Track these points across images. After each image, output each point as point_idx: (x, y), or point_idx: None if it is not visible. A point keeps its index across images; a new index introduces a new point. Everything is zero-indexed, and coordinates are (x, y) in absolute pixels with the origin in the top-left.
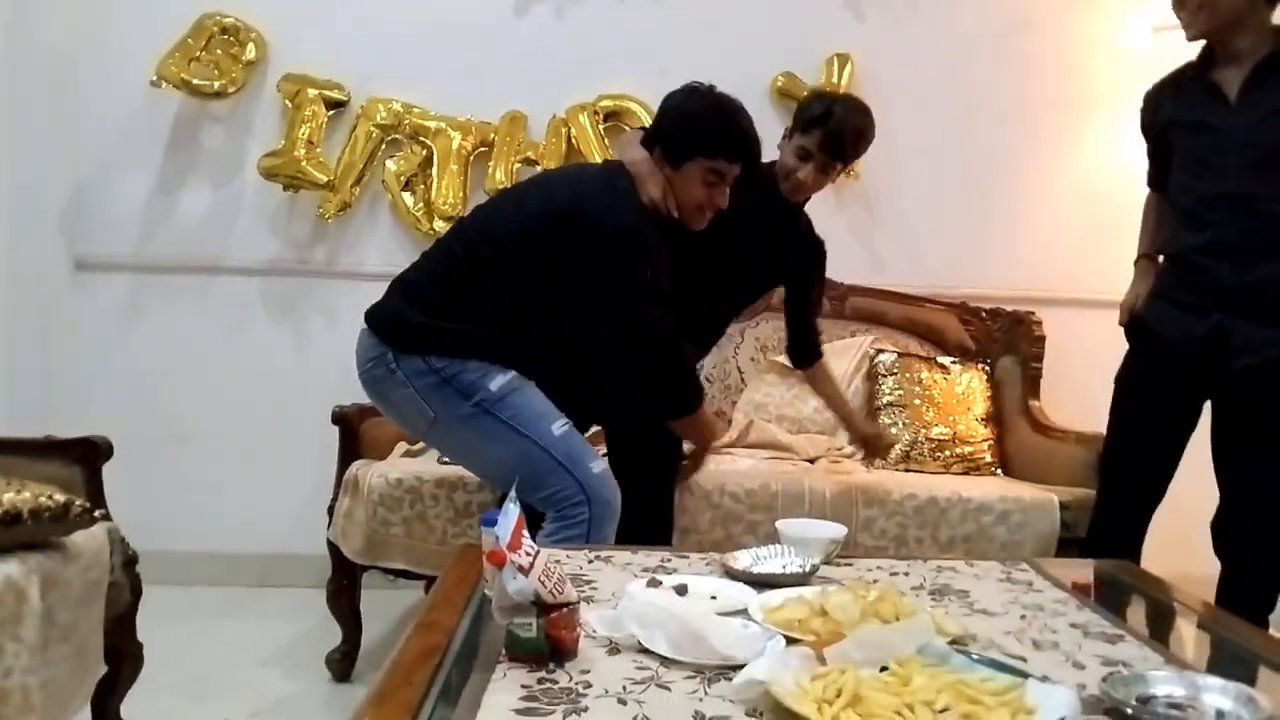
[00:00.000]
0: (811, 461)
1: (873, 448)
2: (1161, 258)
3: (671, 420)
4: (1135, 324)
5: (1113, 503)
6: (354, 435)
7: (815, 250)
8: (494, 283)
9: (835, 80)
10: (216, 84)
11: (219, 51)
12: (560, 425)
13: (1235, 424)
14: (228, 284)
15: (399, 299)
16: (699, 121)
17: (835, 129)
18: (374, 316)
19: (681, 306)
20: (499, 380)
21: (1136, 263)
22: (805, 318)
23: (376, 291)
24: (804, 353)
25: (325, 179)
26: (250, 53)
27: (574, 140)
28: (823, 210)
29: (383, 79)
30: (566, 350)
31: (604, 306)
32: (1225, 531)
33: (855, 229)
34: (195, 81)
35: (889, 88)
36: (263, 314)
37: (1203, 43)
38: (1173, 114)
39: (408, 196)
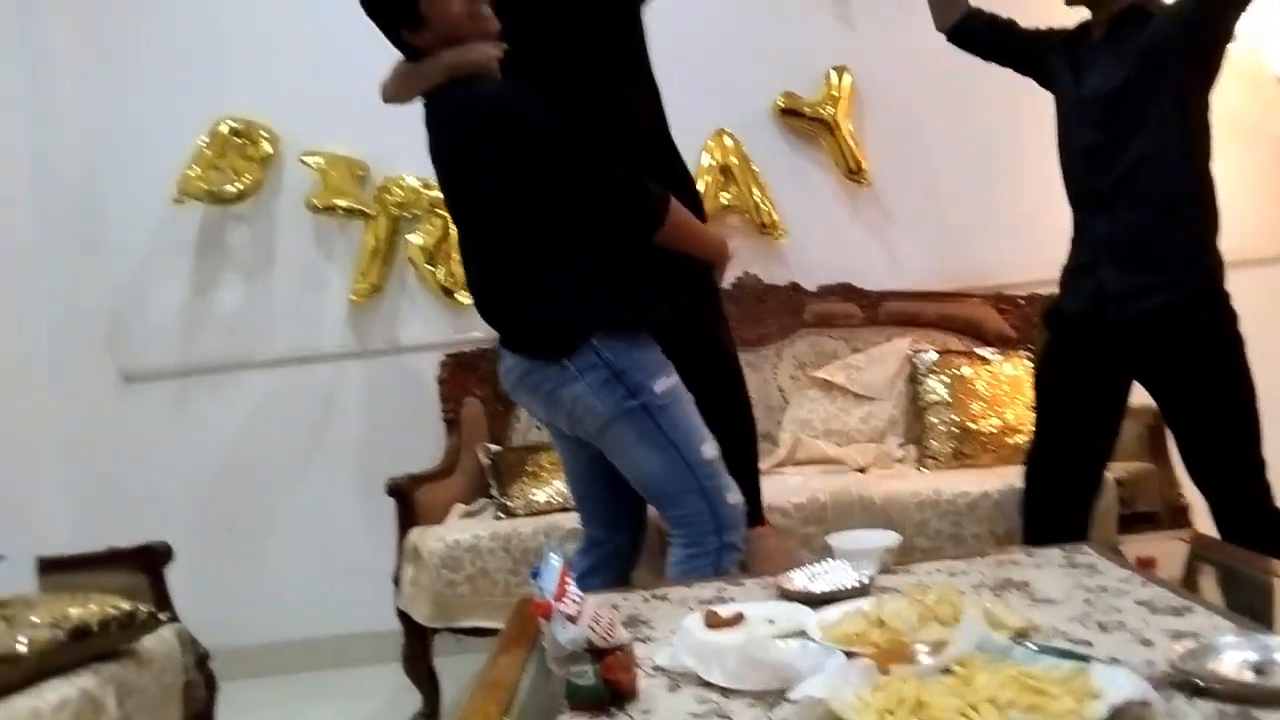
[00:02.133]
0: (863, 471)
1: None
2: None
3: (652, 234)
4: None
5: (1041, 495)
6: (410, 504)
7: None
8: (549, 235)
9: (835, 93)
10: (237, 186)
11: (234, 156)
12: (710, 448)
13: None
14: (269, 376)
15: (519, 308)
16: None
17: None
18: (514, 339)
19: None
20: (664, 383)
21: None
22: None
23: (420, 363)
24: None
25: (372, 212)
26: (265, 148)
27: None
28: (839, 219)
29: (397, 158)
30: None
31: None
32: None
33: (875, 234)
34: (216, 190)
35: (888, 93)
36: (306, 400)
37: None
38: (1054, 55)
39: (432, 268)
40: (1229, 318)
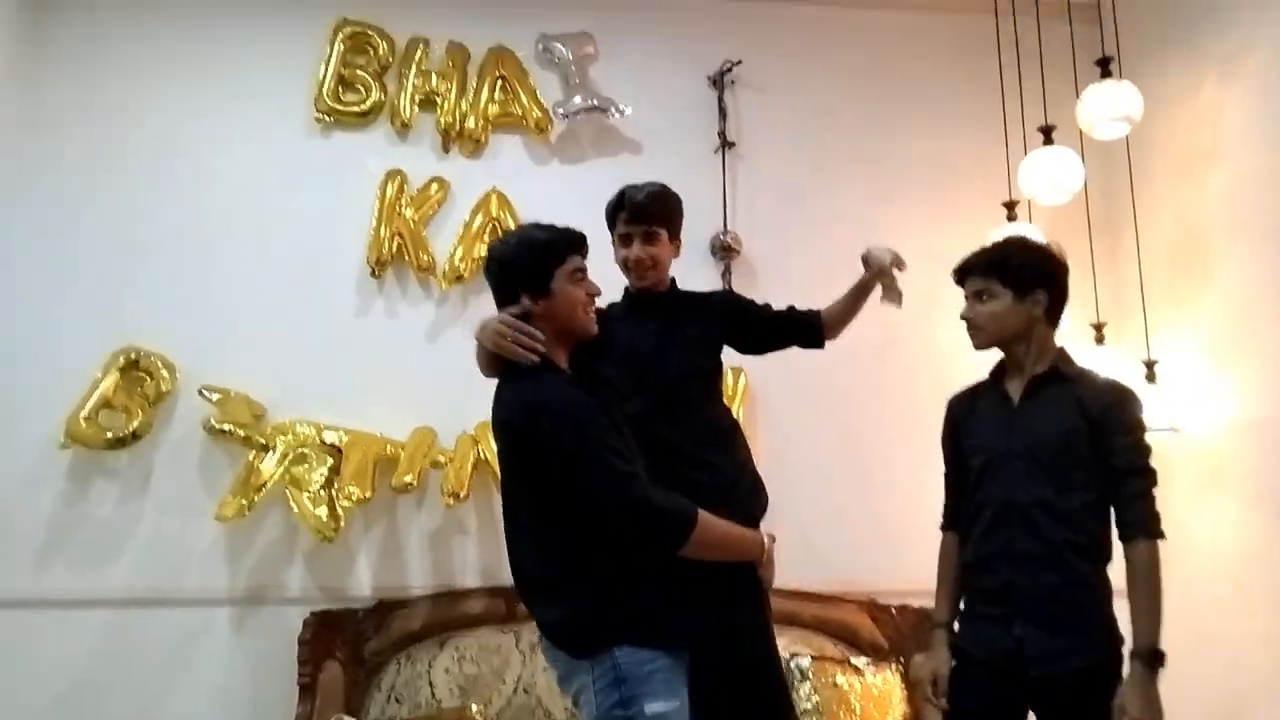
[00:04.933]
0: None
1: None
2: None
3: (672, 554)
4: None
5: None
6: None
7: (720, 299)
8: (573, 545)
9: (731, 392)
10: (129, 429)
11: (131, 393)
12: None
13: None
14: (121, 614)
15: (543, 605)
16: (531, 244)
17: (632, 199)
18: (540, 625)
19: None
20: (657, 706)
21: (932, 631)
22: (772, 320)
23: (283, 618)
24: (805, 329)
25: (263, 440)
26: (163, 385)
27: (484, 455)
28: None
29: (295, 401)
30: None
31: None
32: None
33: None
34: (104, 436)
35: (779, 399)
36: (155, 646)
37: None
38: (966, 420)
39: (310, 503)
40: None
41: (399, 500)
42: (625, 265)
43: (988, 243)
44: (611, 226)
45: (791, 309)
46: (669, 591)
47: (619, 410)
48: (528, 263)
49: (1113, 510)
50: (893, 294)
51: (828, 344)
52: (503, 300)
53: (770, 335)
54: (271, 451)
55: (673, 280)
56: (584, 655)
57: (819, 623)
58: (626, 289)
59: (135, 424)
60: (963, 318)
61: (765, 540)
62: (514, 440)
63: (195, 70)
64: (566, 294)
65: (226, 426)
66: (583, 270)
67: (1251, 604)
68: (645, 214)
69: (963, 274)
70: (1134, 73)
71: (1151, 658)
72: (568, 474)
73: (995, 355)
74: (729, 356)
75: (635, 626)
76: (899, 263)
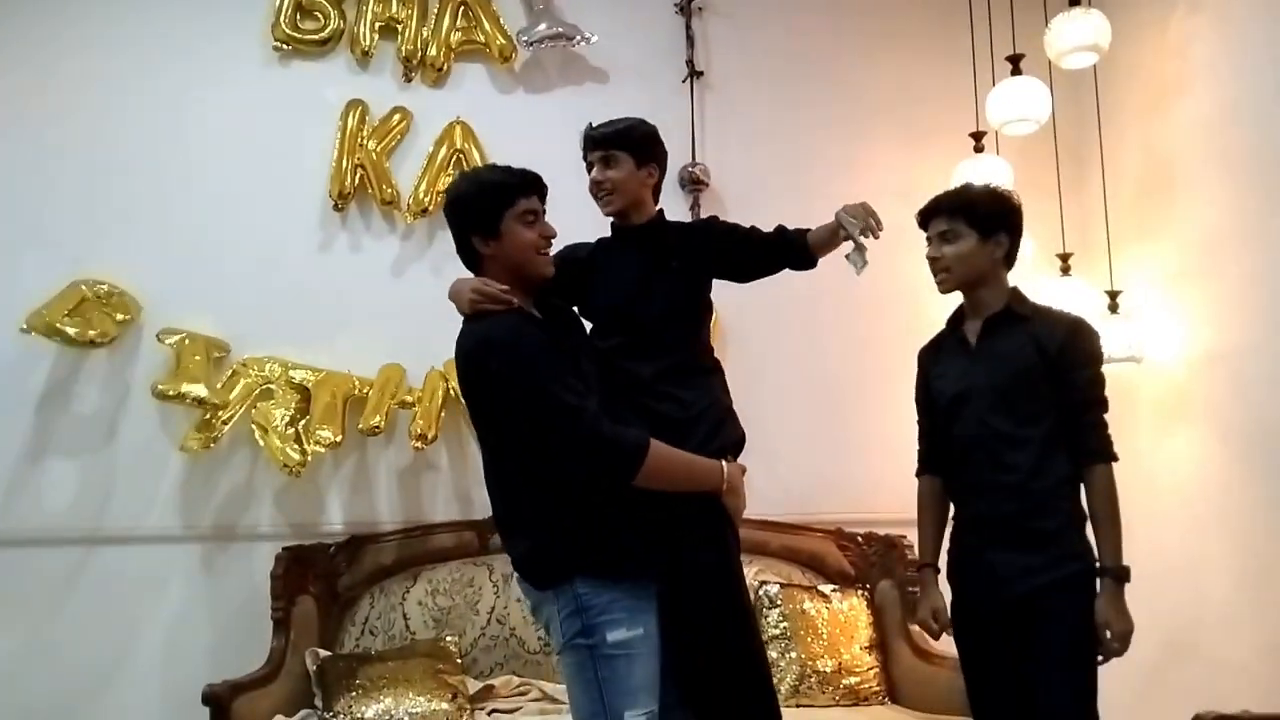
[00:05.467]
0: None
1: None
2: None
3: (635, 480)
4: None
5: None
6: (225, 715)
7: (705, 226)
8: (532, 476)
9: None
10: (91, 332)
11: (93, 310)
12: (638, 714)
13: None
14: (80, 552)
15: (509, 535)
16: (480, 185)
17: (589, 133)
18: (512, 559)
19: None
20: (620, 634)
21: (920, 571)
22: (762, 242)
23: (254, 553)
24: (797, 250)
25: (220, 400)
26: (123, 315)
27: (453, 390)
28: None
29: (260, 337)
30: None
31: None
32: None
33: None
34: (66, 330)
35: (748, 333)
36: (122, 583)
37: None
38: (932, 368)
39: (277, 439)
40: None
41: (368, 437)
42: (592, 194)
43: (963, 180)
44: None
45: (781, 230)
46: (627, 523)
47: (582, 344)
48: (476, 204)
49: (1071, 438)
50: (857, 261)
51: (801, 274)
52: (458, 240)
53: (763, 259)
54: (233, 390)
55: (660, 211)
56: (545, 586)
57: (787, 551)
58: (612, 222)
59: (93, 333)
60: (930, 258)
61: (726, 469)
62: (467, 378)
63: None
64: (515, 236)
65: (178, 390)
66: (534, 212)
67: (1210, 531)
68: (600, 139)
69: (927, 216)
70: (1103, 2)
71: (1120, 572)
72: (516, 409)
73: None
74: None
75: (593, 558)
76: (872, 229)
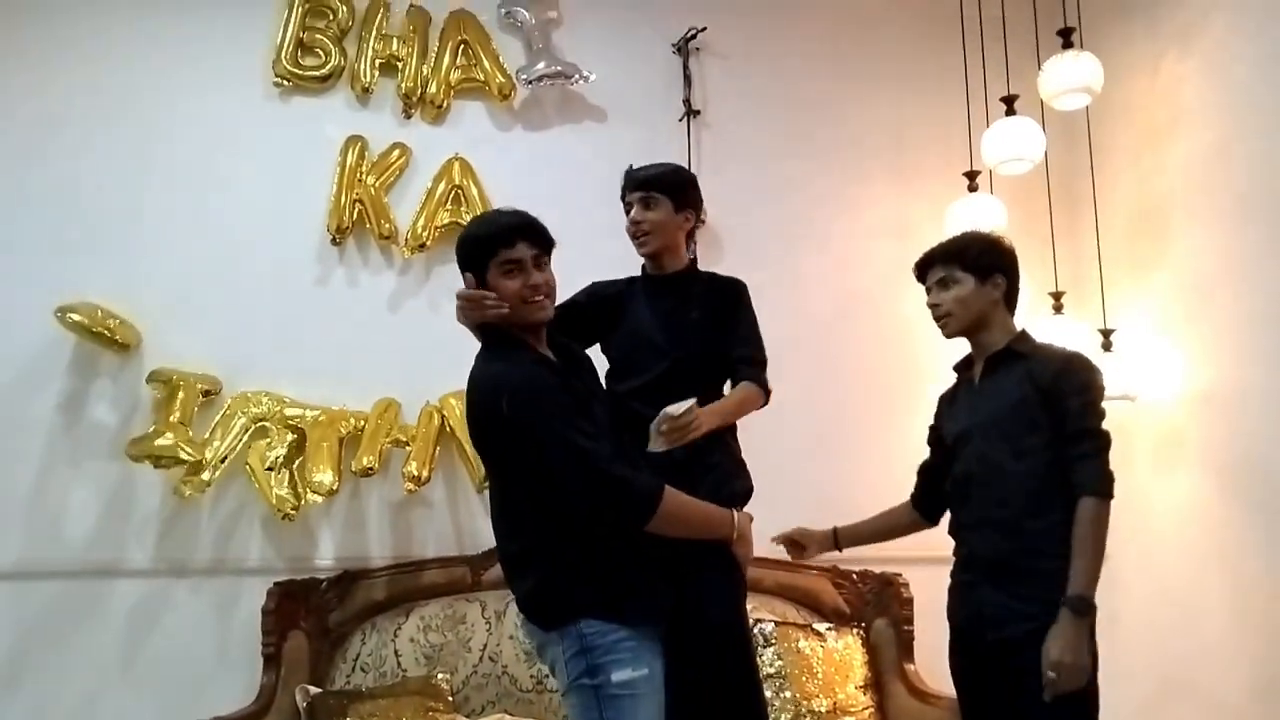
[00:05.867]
0: None
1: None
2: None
3: (648, 526)
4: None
5: None
6: None
7: (727, 293)
8: (537, 517)
9: None
10: (113, 324)
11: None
12: None
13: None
14: (68, 585)
15: (512, 574)
16: (468, 235)
17: (631, 175)
18: (521, 604)
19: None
20: (624, 674)
21: (831, 529)
22: (726, 357)
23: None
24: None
25: (195, 458)
26: (122, 339)
27: (449, 426)
28: None
29: (256, 370)
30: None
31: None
32: None
33: None
34: (92, 326)
35: None
36: (108, 617)
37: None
38: (945, 410)
39: (274, 478)
40: None
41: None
42: (630, 236)
43: (959, 221)
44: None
45: (741, 368)
46: (634, 565)
47: (593, 386)
48: (465, 252)
49: (1065, 472)
50: (655, 442)
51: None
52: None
53: (726, 365)
54: (225, 428)
55: (692, 260)
56: (550, 626)
57: (782, 589)
58: (643, 264)
59: (115, 331)
60: (931, 305)
61: (736, 518)
62: (477, 419)
63: (153, 34)
64: (498, 285)
65: (153, 451)
66: (514, 262)
67: (1206, 570)
68: (641, 181)
69: (924, 267)
70: (1095, 44)
71: (1079, 605)
72: (527, 451)
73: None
74: None
75: (599, 599)
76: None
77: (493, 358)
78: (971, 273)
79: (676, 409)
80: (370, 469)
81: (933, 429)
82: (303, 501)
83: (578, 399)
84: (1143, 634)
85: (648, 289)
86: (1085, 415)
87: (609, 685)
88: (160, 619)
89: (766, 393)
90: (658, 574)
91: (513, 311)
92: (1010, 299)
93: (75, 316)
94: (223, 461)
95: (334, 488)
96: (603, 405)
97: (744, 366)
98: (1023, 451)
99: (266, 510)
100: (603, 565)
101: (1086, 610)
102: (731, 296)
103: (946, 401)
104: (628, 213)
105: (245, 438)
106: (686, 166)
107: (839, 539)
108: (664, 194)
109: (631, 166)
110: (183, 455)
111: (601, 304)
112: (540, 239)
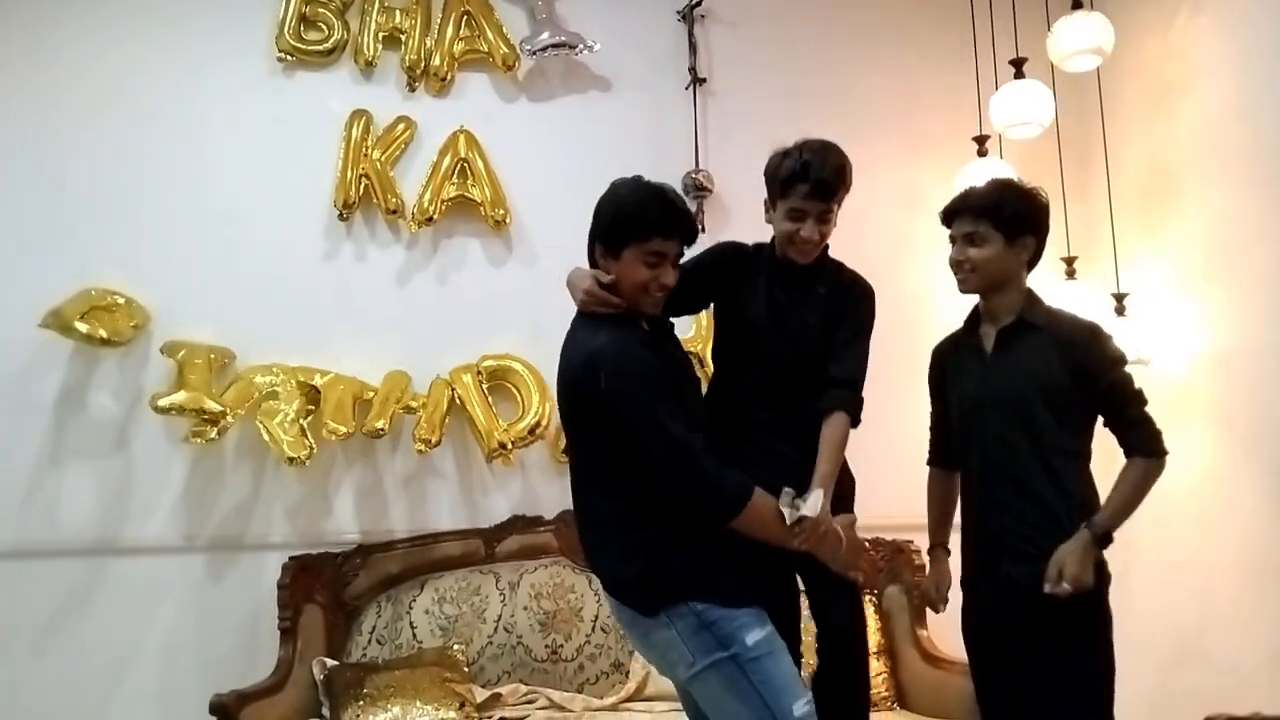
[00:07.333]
0: None
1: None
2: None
3: (721, 525)
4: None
5: None
6: None
7: (852, 300)
8: (633, 501)
9: (706, 335)
10: (102, 334)
11: (102, 314)
12: (803, 705)
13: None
14: (85, 563)
15: (610, 564)
16: (623, 205)
17: (817, 176)
18: (611, 588)
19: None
20: (755, 635)
21: (930, 551)
22: (823, 359)
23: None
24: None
25: (221, 408)
26: (131, 320)
27: (459, 399)
28: None
29: (265, 346)
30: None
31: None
32: None
33: None
34: (79, 329)
35: None
36: (127, 595)
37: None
38: (950, 367)
39: (287, 426)
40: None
41: (374, 445)
42: (789, 239)
43: (970, 184)
44: (776, 189)
45: (833, 391)
46: (738, 549)
47: (685, 363)
48: (612, 219)
49: (1116, 438)
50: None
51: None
52: (590, 235)
53: (818, 368)
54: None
55: (825, 248)
56: (656, 610)
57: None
58: (770, 249)
59: (104, 332)
60: (953, 260)
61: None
62: (572, 391)
63: (155, 10)
64: (631, 268)
65: (170, 404)
66: (661, 255)
67: (1220, 533)
68: (830, 190)
69: (951, 215)
70: (1105, 4)
71: (1099, 531)
72: (623, 435)
73: (960, 294)
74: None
75: (706, 582)
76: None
77: (593, 328)
78: (1002, 232)
79: (811, 507)
80: (382, 430)
81: (936, 382)
82: (314, 449)
83: (676, 385)
84: (1156, 598)
85: (772, 272)
86: (1125, 385)
87: (747, 650)
88: (178, 594)
89: (856, 421)
90: (759, 559)
91: (629, 295)
92: (1033, 261)
93: (52, 327)
94: (233, 418)
95: (349, 431)
96: (692, 385)
97: (837, 390)
98: (1046, 431)
99: (281, 484)
100: (704, 548)
101: (1103, 540)
102: (852, 303)
103: (949, 356)
104: (797, 216)
105: (257, 396)
106: (694, 134)
107: (944, 551)
108: (840, 203)
109: (813, 159)
110: (208, 405)
111: (726, 270)
112: (691, 240)
